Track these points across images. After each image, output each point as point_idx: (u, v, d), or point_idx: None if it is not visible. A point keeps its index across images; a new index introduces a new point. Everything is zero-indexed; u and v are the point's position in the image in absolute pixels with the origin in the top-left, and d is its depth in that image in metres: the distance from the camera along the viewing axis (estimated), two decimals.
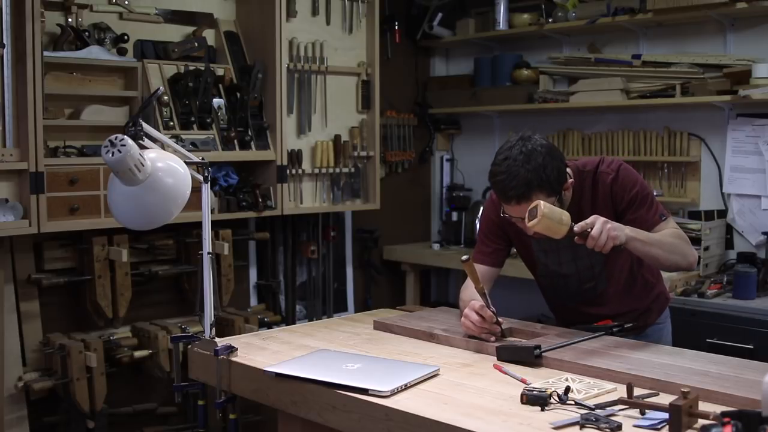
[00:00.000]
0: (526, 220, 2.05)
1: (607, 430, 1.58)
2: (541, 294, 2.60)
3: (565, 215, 2.05)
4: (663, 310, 2.54)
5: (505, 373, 1.98)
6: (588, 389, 1.81)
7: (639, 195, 2.26)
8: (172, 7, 3.69)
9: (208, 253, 2.23)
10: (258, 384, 2.08)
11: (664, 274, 2.65)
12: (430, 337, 2.34)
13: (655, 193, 2.38)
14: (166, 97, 3.43)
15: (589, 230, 2.02)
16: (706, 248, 3.66)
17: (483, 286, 2.22)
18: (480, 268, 2.44)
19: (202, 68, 3.51)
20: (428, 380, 1.93)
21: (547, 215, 2.01)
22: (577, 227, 2.04)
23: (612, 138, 4.15)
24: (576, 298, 2.44)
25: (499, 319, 2.24)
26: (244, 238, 3.92)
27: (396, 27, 4.69)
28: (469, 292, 2.39)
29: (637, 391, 1.72)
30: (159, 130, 3.17)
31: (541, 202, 2.03)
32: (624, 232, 2.06)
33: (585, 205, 2.28)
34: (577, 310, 2.45)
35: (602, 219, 2.03)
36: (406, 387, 1.86)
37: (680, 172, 3.97)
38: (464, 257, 2.19)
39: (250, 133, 3.69)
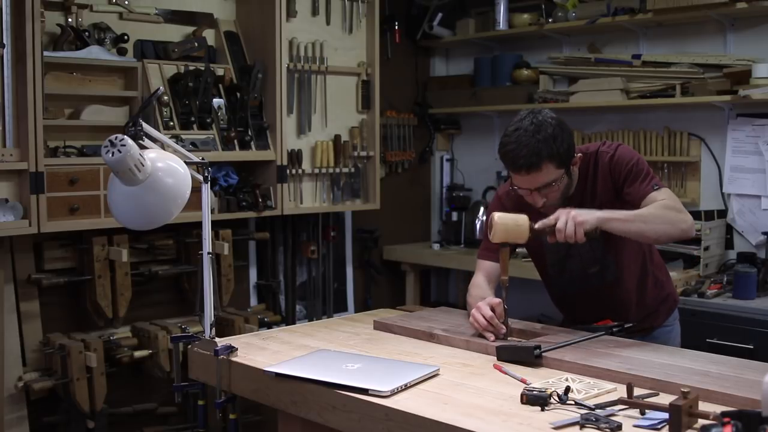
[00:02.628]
0: (489, 235, 2.12)
1: (607, 430, 1.58)
2: (540, 294, 2.60)
3: (521, 217, 2.12)
4: (671, 312, 2.53)
5: (505, 373, 1.98)
6: (588, 389, 1.81)
7: (634, 168, 2.25)
8: (172, 7, 3.69)
9: (208, 253, 2.23)
10: (258, 384, 2.08)
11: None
12: (430, 337, 2.34)
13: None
14: (166, 97, 3.43)
15: (552, 224, 2.05)
16: (706, 248, 3.66)
17: (508, 279, 2.23)
18: (486, 265, 2.45)
19: (202, 68, 3.51)
20: (428, 380, 1.93)
21: (499, 221, 2.10)
22: (538, 224, 2.09)
23: (612, 138, 4.15)
24: (581, 284, 2.41)
25: (509, 320, 2.25)
26: (244, 238, 3.92)
27: (396, 27, 4.69)
28: (480, 290, 2.39)
29: (637, 391, 1.72)
30: (159, 130, 3.17)
31: (496, 213, 2.12)
32: (594, 215, 2.07)
33: (588, 185, 2.30)
34: (584, 302, 2.43)
35: (565, 210, 2.06)
36: (406, 387, 1.86)
37: (680, 172, 3.97)
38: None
39: (250, 133, 3.69)
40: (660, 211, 2.16)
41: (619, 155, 2.27)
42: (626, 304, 2.40)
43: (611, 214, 2.11)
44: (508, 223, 2.10)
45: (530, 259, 2.62)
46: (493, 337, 2.21)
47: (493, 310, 2.22)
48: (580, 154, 2.26)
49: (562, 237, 2.03)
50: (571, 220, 2.03)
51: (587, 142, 4.23)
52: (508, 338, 2.26)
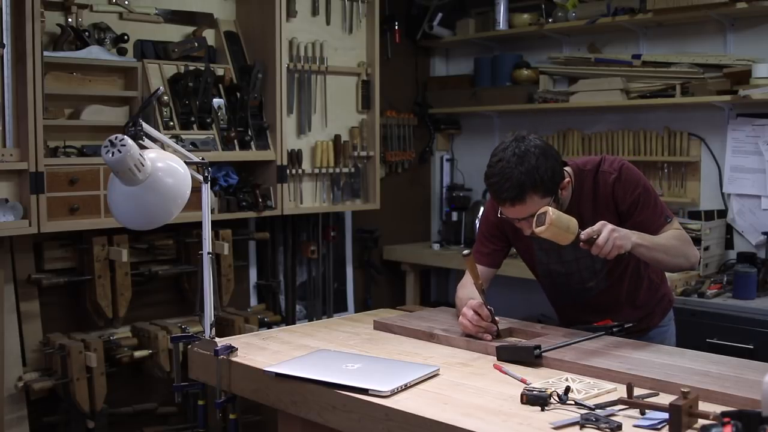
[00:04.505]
0: (534, 225, 2.07)
1: (607, 430, 1.58)
2: (540, 294, 2.60)
3: (573, 223, 2.06)
4: (666, 313, 2.54)
5: (505, 373, 1.98)
6: (588, 389, 1.81)
7: (642, 196, 2.25)
8: (172, 7, 3.69)
9: (208, 253, 2.23)
10: (258, 384, 2.08)
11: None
12: (430, 337, 2.34)
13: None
14: (166, 97, 3.43)
15: (595, 237, 2.02)
16: (706, 248, 3.66)
17: (482, 283, 2.23)
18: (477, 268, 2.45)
19: (202, 68, 3.51)
20: (428, 380, 1.93)
21: (555, 223, 2.03)
22: (584, 234, 2.04)
23: (612, 138, 4.16)
24: (579, 296, 2.43)
25: (496, 318, 2.25)
26: (244, 238, 3.92)
27: (396, 27, 4.69)
28: (466, 290, 2.40)
29: (637, 391, 1.72)
30: (159, 130, 3.17)
31: (550, 209, 2.05)
32: (630, 240, 2.07)
33: (585, 204, 2.27)
34: (581, 310, 2.44)
35: (610, 227, 2.04)
36: (406, 387, 1.86)
37: (680, 172, 3.97)
38: (465, 252, 2.21)
39: (250, 133, 3.69)
40: (679, 244, 2.22)
41: (625, 179, 2.26)
42: (620, 308, 2.40)
43: (642, 240, 2.11)
44: (561, 226, 2.04)
45: None
46: (489, 337, 2.22)
47: (477, 312, 2.22)
48: (568, 178, 2.24)
49: (598, 252, 2.03)
50: (612, 241, 2.02)
51: (587, 142, 4.25)
52: (508, 338, 2.27)
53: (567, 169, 2.27)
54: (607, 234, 2.02)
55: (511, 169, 2.10)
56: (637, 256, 2.24)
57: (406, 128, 4.80)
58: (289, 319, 4.15)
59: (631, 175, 2.27)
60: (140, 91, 3.42)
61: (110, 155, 1.94)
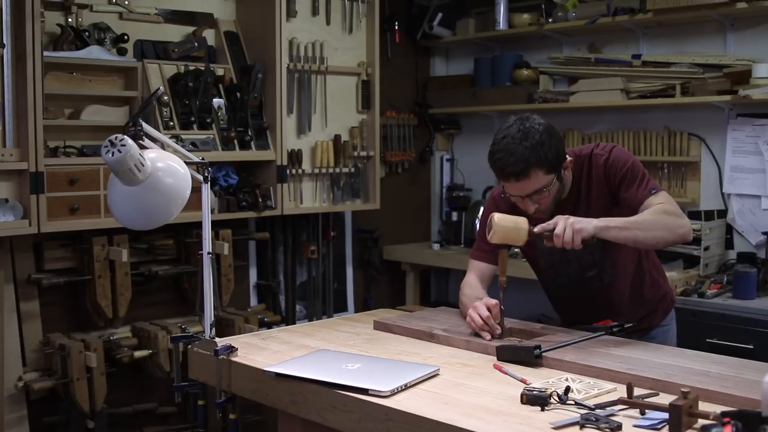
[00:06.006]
0: (487, 235, 2.11)
1: (607, 430, 1.58)
2: (541, 294, 2.60)
3: (521, 219, 2.12)
4: (668, 312, 2.54)
5: (505, 373, 1.98)
6: (588, 389, 1.81)
7: (629, 171, 2.25)
8: (172, 7, 3.69)
9: (208, 253, 2.23)
10: (258, 384, 2.09)
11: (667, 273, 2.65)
12: (430, 337, 2.34)
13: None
14: (166, 97, 3.43)
15: (551, 228, 2.06)
16: (706, 248, 3.66)
17: (506, 279, 2.23)
18: (479, 265, 2.46)
19: (202, 68, 3.51)
20: (428, 380, 1.93)
21: (501, 222, 2.09)
22: (537, 228, 2.09)
23: (612, 138, 4.15)
24: (581, 287, 2.41)
25: (505, 321, 2.25)
26: (244, 238, 3.92)
27: (396, 27, 4.70)
28: (473, 289, 2.40)
29: (637, 391, 1.72)
30: (159, 130, 3.17)
31: (496, 214, 2.11)
32: (591, 224, 2.07)
33: (583, 188, 2.29)
34: (584, 305, 2.42)
35: (564, 217, 2.07)
36: (406, 387, 1.86)
37: (680, 172, 3.97)
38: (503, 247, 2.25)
39: (250, 133, 3.69)
40: (657, 217, 2.16)
41: (613, 158, 2.26)
42: (623, 304, 2.40)
43: (608, 222, 2.11)
44: (508, 225, 2.11)
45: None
46: (489, 336, 2.21)
47: (489, 310, 2.22)
48: (570, 158, 2.25)
49: (560, 243, 2.04)
50: (570, 227, 2.03)
51: (587, 142, 4.25)
52: (506, 338, 2.26)
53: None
54: (563, 222, 2.05)
55: (516, 144, 2.12)
56: (637, 249, 2.23)
57: (406, 128, 4.80)
58: (289, 319, 4.15)
59: (620, 155, 2.28)
60: (140, 91, 3.42)
61: (110, 155, 1.94)
